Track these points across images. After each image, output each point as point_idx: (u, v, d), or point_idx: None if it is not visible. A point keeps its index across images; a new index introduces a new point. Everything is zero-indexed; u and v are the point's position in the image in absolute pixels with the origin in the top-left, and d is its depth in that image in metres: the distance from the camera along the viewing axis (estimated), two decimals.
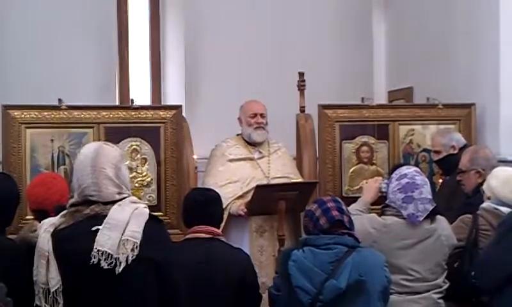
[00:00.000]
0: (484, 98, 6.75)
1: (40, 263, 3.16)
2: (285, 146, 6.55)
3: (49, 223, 3.26)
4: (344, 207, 4.00)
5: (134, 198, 3.35)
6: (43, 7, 7.78)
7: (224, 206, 5.46)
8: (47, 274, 3.14)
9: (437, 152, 6.24)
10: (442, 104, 6.74)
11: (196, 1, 8.99)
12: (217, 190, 5.03)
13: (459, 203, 5.41)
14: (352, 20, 9.46)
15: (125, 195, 3.28)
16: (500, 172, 4.87)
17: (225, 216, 5.68)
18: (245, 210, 5.94)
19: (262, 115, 6.30)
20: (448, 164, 6.10)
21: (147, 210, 3.25)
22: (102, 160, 3.25)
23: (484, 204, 4.82)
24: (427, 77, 7.84)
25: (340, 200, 4.07)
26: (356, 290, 3.71)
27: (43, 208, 4.24)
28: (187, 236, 4.47)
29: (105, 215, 3.15)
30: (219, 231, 4.54)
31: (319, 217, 3.90)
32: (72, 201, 3.29)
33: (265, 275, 5.69)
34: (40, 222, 3.40)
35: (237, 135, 6.43)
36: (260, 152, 6.33)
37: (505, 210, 4.67)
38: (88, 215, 3.18)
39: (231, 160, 6.23)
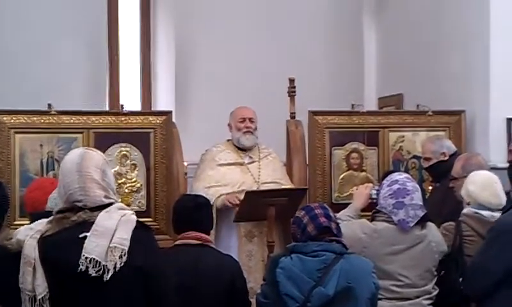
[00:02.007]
0: (474, 105, 6.77)
1: (26, 270, 3.13)
2: (275, 152, 6.55)
3: (26, 230, 3.25)
4: (331, 214, 3.98)
5: (121, 205, 3.33)
6: (33, 12, 7.76)
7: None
8: (33, 281, 3.11)
9: (427, 159, 6.23)
10: (432, 111, 6.75)
11: (187, 7, 9.00)
12: (202, 192, 5.19)
13: (449, 209, 5.40)
14: (343, 27, 9.50)
15: (112, 200, 3.26)
16: (477, 177, 4.88)
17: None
18: (236, 200, 5.95)
19: (250, 119, 6.31)
20: (438, 171, 6.10)
21: (134, 217, 3.24)
22: (87, 164, 3.24)
23: (465, 210, 4.83)
24: (417, 84, 7.86)
25: (327, 207, 4.05)
26: (344, 296, 3.69)
27: (40, 212, 4.22)
28: (177, 243, 4.46)
29: (93, 222, 3.13)
30: (209, 237, 4.52)
31: (307, 224, 3.89)
32: (58, 207, 3.27)
33: (254, 281, 5.69)
34: None
35: (228, 140, 6.44)
36: (251, 157, 6.35)
37: (486, 213, 4.69)
38: (75, 221, 3.16)
39: (221, 165, 6.26)
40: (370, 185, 5.31)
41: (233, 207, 5.98)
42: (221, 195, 6.07)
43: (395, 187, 4.55)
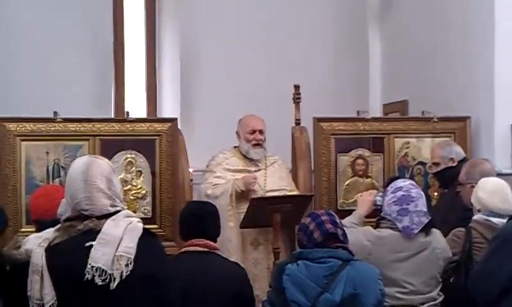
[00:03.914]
0: (479, 111, 6.76)
1: (34, 279, 3.13)
2: (282, 159, 6.56)
3: (35, 238, 3.26)
4: (337, 220, 3.99)
5: (128, 212, 3.32)
6: (38, 19, 7.80)
7: (220, 192, 5.92)
8: (41, 289, 3.11)
9: (436, 164, 6.20)
10: (437, 117, 6.75)
11: (192, 13, 9.00)
12: (209, 190, 5.76)
13: (457, 215, 5.39)
14: (348, 34, 9.49)
15: (119, 208, 3.25)
16: (486, 183, 4.87)
17: (227, 205, 6.00)
18: (256, 176, 6.12)
19: (260, 132, 6.33)
20: (446, 177, 6.06)
21: (141, 225, 3.23)
22: (93, 173, 3.23)
23: (476, 217, 4.81)
24: (422, 90, 7.85)
25: (333, 213, 4.06)
26: (350, 303, 3.69)
27: (44, 219, 4.23)
28: (183, 250, 4.46)
29: (99, 231, 3.12)
30: (216, 244, 4.52)
31: (313, 230, 3.89)
32: (65, 216, 3.26)
33: (259, 288, 5.64)
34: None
35: (234, 147, 6.45)
36: (257, 165, 6.37)
37: (496, 220, 4.68)
38: (82, 230, 3.15)
39: (228, 170, 6.27)
40: (374, 191, 5.30)
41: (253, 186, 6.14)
42: (235, 179, 6.17)
43: (400, 193, 4.55)
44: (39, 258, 3.15)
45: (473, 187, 5.15)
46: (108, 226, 3.15)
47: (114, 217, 3.20)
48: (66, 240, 3.17)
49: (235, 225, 6.05)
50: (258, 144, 6.34)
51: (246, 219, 5.91)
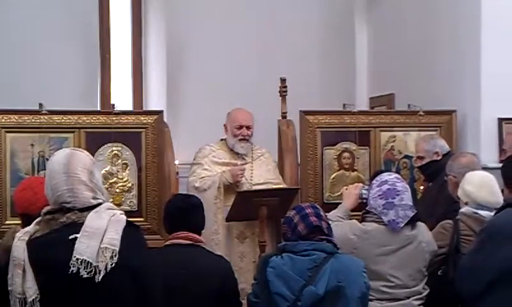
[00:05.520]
0: (465, 105, 6.77)
1: (16, 273, 3.09)
2: (269, 152, 6.55)
3: (24, 231, 3.23)
4: (322, 213, 3.99)
5: (110, 204, 3.30)
6: (25, 11, 7.76)
7: (208, 185, 5.92)
8: (23, 283, 3.07)
9: (420, 158, 6.20)
10: (423, 111, 6.75)
11: (178, 6, 8.99)
12: (197, 183, 5.67)
13: (442, 208, 5.40)
14: (334, 27, 9.51)
15: (100, 200, 3.23)
16: (473, 177, 4.86)
17: (214, 197, 5.98)
18: (244, 168, 6.08)
19: (248, 127, 6.31)
20: (431, 170, 6.08)
21: (124, 217, 3.21)
22: (74, 166, 3.20)
23: (463, 209, 4.80)
24: (408, 84, 7.87)
25: (318, 206, 4.06)
26: (334, 296, 3.69)
27: (30, 213, 4.20)
28: (168, 243, 4.45)
29: (82, 223, 3.10)
30: (200, 237, 4.51)
31: (298, 223, 3.90)
32: (46, 208, 3.23)
33: (245, 281, 5.63)
34: (24, 228, 3.37)
35: (221, 140, 6.44)
36: (244, 158, 6.36)
37: (484, 213, 4.67)
38: (64, 223, 3.12)
39: (215, 163, 6.26)
40: (360, 185, 5.29)
41: (240, 178, 6.14)
42: (223, 171, 6.16)
43: (385, 187, 4.54)
44: (20, 252, 3.11)
45: (453, 178, 5.17)
46: (91, 218, 3.12)
47: (96, 209, 3.17)
48: (49, 233, 3.13)
49: (222, 218, 6.05)
50: (245, 139, 6.33)
51: (232, 212, 5.91)
